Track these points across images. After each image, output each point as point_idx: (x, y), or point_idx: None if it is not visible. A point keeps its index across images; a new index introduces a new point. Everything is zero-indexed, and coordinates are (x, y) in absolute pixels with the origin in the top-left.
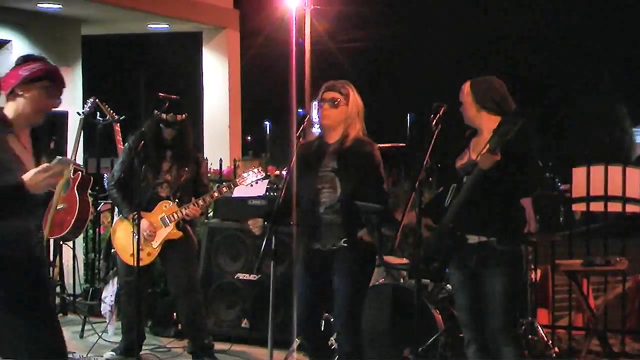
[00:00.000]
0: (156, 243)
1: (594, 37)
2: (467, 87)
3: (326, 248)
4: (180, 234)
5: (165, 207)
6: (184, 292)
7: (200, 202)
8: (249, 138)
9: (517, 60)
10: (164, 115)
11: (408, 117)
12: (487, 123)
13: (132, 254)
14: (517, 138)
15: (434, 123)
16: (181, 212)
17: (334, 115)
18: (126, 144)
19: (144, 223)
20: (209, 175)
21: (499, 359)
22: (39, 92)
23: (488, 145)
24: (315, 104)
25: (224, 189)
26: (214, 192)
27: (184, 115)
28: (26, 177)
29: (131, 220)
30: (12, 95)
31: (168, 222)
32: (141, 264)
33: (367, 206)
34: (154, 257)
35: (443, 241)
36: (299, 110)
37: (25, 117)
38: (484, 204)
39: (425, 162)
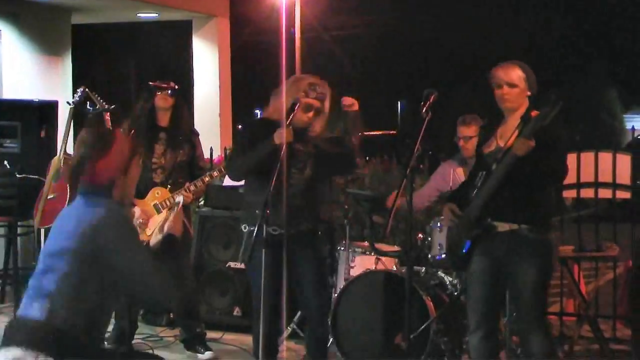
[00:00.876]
0: (150, 230)
1: (583, 19)
2: (519, 71)
3: (289, 232)
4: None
5: (158, 193)
6: (175, 280)
7: (192, 187)
8: (240, 126)
9: (506, 44)
10: (160, 102)
11: (399, 105)
12: (521, 110)
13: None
14: (552, 124)
15: (424, 110)
16: (172, 198)
17: (324, 110)
18: (120, 130)
19: (136, 210)
20: (222, 174)
21: (528, 347)
22: None
23: (523, 131)
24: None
25: (215, 174)
26: (205, 177)
27: (177, 96)
28: None
29: None
30: None
31: (161, 208)
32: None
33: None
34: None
35: (471, 228)
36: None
37: None
38: (515, 191)
39: (416, 149)
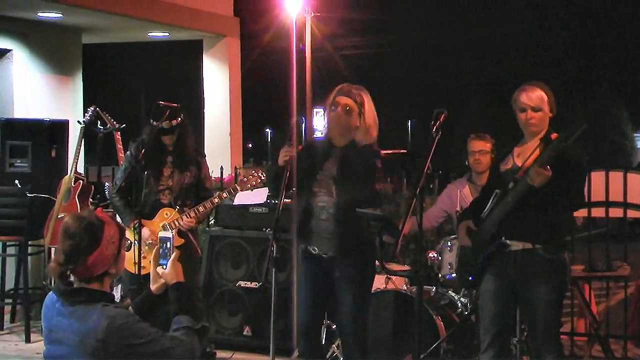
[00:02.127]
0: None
1: (594, 39)
2: (541, 93)
3: (325, 254)
4: (182, 241)
5: (166, 214)
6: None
7: (201, 208)
8: (250, 145)
9: (518, 65)
10: (164, 124)
11: (409, 124)
12: (544, 130)
13: (135, 262)
14: (573, 150)
15: (434, 130)
16: (179, 221)
17: (345, 123)
18: (127, 152)
19: (145, 231)
20: (231, 195)
21: None
22: None
23: (539, 158)
24: (322, 108)
25: (224, 195)
26: (214, 198)
27: (178, 119)
28: None
29: (132, 228)
30: None
31: (169, 229)
32: (144, 272)
33: (369, 213)
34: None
35: (484, 247)
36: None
37: None
38: (530, 211)
39: (425, 169)
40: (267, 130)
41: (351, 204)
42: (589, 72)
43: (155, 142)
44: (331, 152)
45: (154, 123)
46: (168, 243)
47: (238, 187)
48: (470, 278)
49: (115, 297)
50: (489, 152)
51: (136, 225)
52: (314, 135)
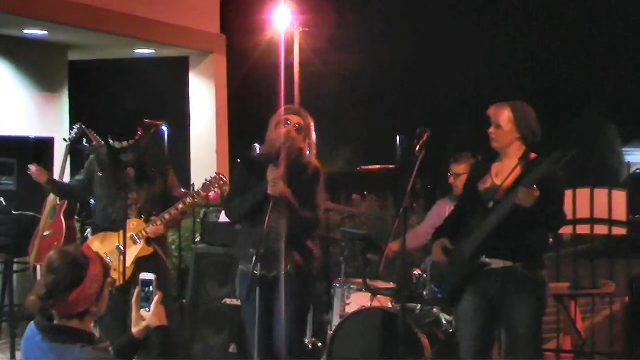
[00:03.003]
0: (128, 262)
1: (583, 54)
2: (507, 112)
3: (270, 274)
4: (150, 250)
5: (133, 225)
6: None
7: (167, 215)
8: (239, 160)
9: (505, 81)
10: (115, 144)
11: (397, 139)
12: (516, 150)
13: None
14: (554, 173)
15: (417, 148)
16: (145, 230)
17: (297, 140)
18: (87, 163)
19: (112, 244)
20: (195, 200)
21: None
22: None
23: (526, 179)
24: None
25: (188, 200)
26: (179, 203)
27: (130, 140)
28: None
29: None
30: None
31: (137, 239)
32: (117, 284)
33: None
34: (128, 276)
35: (462, 265)
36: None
37: None
38: (511, 230)
39: (409, 188)
40: (256, 145)
41: (304, 221)
42: (577, 86)
43: (113, 158)
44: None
45: (113, 143)
46: (150, 286)
47: (201, 192)
48: (438, 296)
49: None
50: (464, 174)
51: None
52: (254, 150)
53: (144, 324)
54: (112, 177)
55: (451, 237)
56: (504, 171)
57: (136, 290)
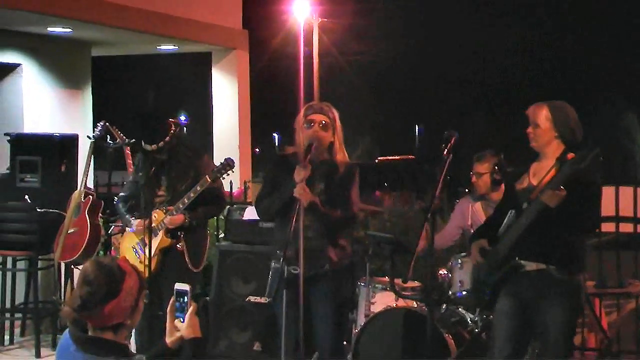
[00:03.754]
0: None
1: (601, 41)
2: (545, 111)
3: (308, 274)
4: (168, 241)
5: (155, 216)
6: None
7: (180, 204)
8: (257, 150)
9: (522, 69)
10: (146, 147)
11: (416, 129)
12: (555, 150)
13: (142, 263)
14: (587, 171)
15: (445, 153)
16: (165, 221)
17: (325, 137)
18: (134, 164)
19: (133, 239)
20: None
21: None
22: None
23: (553, 180)
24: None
25: (198, 188)
26: (191, 192)
27: (166, 138)
28: None
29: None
30: None
31: (157, 231)
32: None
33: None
34: (154, 268)
35: (498, 267)
36: (274, 134)
37: None
38: (545, 232)
39: (437, 193)
40: (275, 135)
41: (337, 220)
42: (597, 77)
43: (149, 159)
44: (313, 171)
45: (145, 146)
46: (185, 296)
47: (208, 178)
48: (487, 296)
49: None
50: (488, 173)
51: (147, 228)
52: (286, 148)
53: (178, 334)
54: (148, 177)
55: (490, 238)
56: (542, 171)
57: (171, 301)
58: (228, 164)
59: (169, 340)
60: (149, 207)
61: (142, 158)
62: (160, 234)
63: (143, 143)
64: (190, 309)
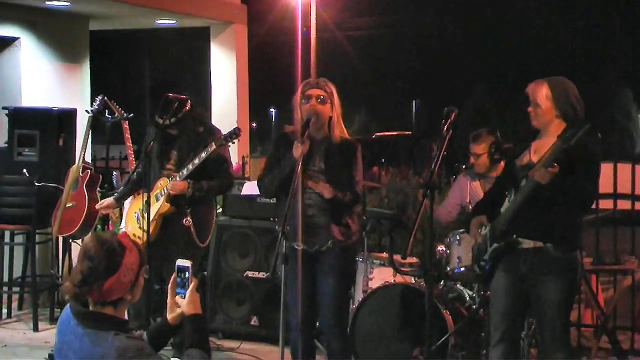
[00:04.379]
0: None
1: (597, 18)
2: (545, 89)
3: (313, 249)
4: (168, 206)
5: (161, 184)
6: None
7: (184, 170)
8: (254, 125)
9: (519, 45)
10: (159, 120)
11: (413, 104)
12: (557, 128)
13: (135, 234)
14: (582, 147)
15: (444, 129)
16: (167, 187)
17: (320, 113)
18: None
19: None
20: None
21: None
22: None
23: (544, 160)
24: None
25: (213, 145)
26: (194, 158)
27: (179, 114)
28: None
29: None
30: None
31: (160, 196)
32: (140, 241)
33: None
34: (152, 233)
35: (494, 243)
36: (270, 109)
37: None
38: (542, 209)
39: (436, 167)
40: (271, 110)
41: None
42: (594, 54)
43: (161, 133)
44: (312, 147)
45: (158, 120)
46: (186, 272)
47: (214, 144)
48: (486, 269)
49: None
50: (486, 153)
51: (146, 201)
52: (285, 127)
53: (179, 310)
54: (160, 146)
55: (489, 213)
56: (543, 149)
57: (172, 277)
58: (234, 132)
59: (169, 316)
60: (147, 182)
61: (154, 131)
62: (162, 199)
63: (156, 117)
64: (192, 286)
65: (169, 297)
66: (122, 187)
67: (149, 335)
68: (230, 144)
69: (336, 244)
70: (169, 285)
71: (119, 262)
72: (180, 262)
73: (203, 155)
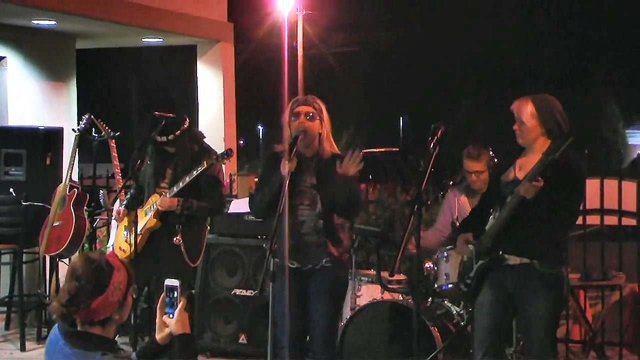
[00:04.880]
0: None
1: (585, 32)
2: (530, 107)
3: (306, 267)
4: (155, 222)
5: (152, 200)
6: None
7: (175, 188)
8: (242, 142)
9: (506, 59)
10: (157, 137)
11: (401, 120)
12: (542, 145)
13: (121, 247)
14: (568, 163)
15: (431, 145)
16: (157, 203)
17: (309, 130)
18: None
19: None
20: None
21: None
22: None
23: (529, 174)
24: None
25: (194, 172)
26: (186, 176)
27: (177, 132)
28: None
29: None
30: None
31: (149, 212)
32: (124, 255)
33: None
34: (138, 246)
35: (480, 260)
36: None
37: None
38: (527, 225)
39: (423, 186)
40: (259, 127)
41: (334, 213)
42: (581, 68)
43: (157, 150)
44: (303, 163)
45: (153, 135)
46: (175, 292)
47: (205, 162)
48: (464, 289)
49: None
50: (485, 170)
51: (134, 219)
52: (276, 146)
53: (167, 330)
54: (156, 164)
55: (475, 229)
56: (528, 165)
57: (161, 296)
58: (227, 153)
59: (158, 336)
60: (134, 204)
61: (151, 149)
62: (150, 214)
63: (154, 134)
64: (180, 305)
65: (157, 316)
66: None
67: (138, 355)
68: (223, 164)
69: (332, 261)
70: (158, 305)
71: (107, 282)
72: (169, 281)
73: (194, 173)
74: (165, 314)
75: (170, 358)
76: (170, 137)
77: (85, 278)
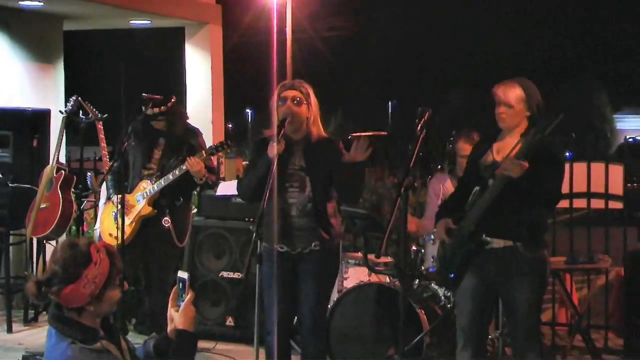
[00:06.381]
0: (128, 220)
1: (573, 19)
2: (519, 90)
3: (295, 251)
4: (150, 210)
5: (144, 186)
6: (155, 284)
7: (170, 176)
8: (230, 126)
9: (492, 45)
10: (148, 111)
11: (390, 105)
12: (521, 128)
13: (112, 234)
14: (549, 145)
15: (418, 128)
16: (150, 189)
17: (297, 114)
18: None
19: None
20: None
21: None
22: None
23: (517, 152)
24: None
25: (185, 166)
26: (175, 170)
27: (168, 105)
28: None
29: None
30: None
31: (141, 199)
32: (118, 242)
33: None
34: (130, 234)
35: (463, 244)
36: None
37: None
38: (511, 208)
39: (410, 168)
40: (248, 111)
41: (325, 196)
42: (569, 55)
43: (145, 128)
44: (291, 147)
45: (146, 111)
46: (182, 284)
47: (204, 153)
48: (452, 276)
49: None
50: None
51: (120, 202)
52: (264, 131)
53: (172, 324)
54: (143, 143)
55: (455, 215)
56: (506, 148)
57: (174, 288)
58: (222, 145)
59: (169, 329)
60: (122, 186)
61: (139, 128)
62: (144, 202)
63: (143, 108)
64: (187, 298)
65: (169, 308)
66: (110, 189)
67: (154, 345)
68: (219, 154)
69: (322, 245)
70: (170, 297)
71: (79, 273)
72: (180, 273)
73: (184, 168)
74: (177, 306)
75: (172, 352)
76: (162, 108)
77: (60, 264)
